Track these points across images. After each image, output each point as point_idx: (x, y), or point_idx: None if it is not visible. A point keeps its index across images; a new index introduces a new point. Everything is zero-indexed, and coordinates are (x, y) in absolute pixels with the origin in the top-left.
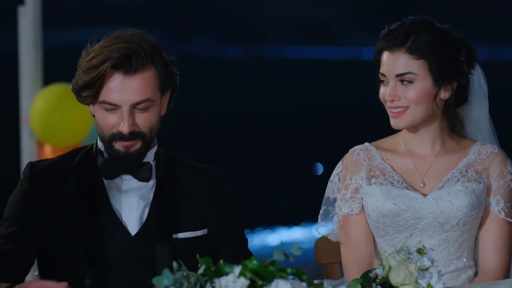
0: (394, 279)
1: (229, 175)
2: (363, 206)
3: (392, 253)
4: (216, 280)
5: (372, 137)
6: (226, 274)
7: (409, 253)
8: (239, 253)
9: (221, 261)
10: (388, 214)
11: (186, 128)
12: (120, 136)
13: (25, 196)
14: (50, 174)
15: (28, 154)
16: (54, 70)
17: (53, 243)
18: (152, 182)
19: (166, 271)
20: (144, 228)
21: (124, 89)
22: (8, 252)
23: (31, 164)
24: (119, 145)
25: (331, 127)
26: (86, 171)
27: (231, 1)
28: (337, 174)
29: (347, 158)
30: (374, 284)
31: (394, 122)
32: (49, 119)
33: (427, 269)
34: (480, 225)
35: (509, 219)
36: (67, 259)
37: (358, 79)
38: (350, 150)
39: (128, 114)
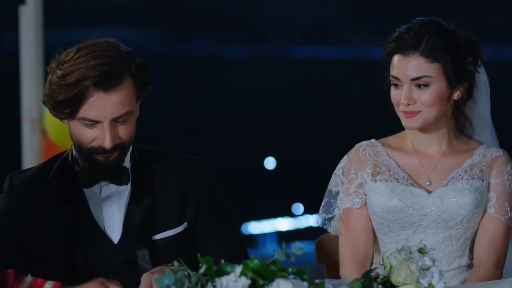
0: (395, 278)
1: (229, 174)
2: (365, 202)
3: (393, 252)
4: (217, 279)
5: (375, 136)
6: (227, 273)
7: (410, 253)
8: (219, 235)
9: (222, 261)
10: (392, 210)
11: (186, 127)
12: (101, 151)
13: (4, 213)
14: (29, 186)
15: (29, 154)
16: None
17: (37, 255)
18: (129, 185)
19: (167, 271)
20: (125, 234)
21: (105, 105)
22: None
23: (10, 177)
24: (98, 156)
25: (334, 126)
26: (64, 180)
27: (232, 1)
28: (342, 167)
29: (352, 152)
30: (375, 284)
31: (407, 123)
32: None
33: (428, 268)
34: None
35: (498, 216)
36: (53, 269)
37: (360, 78)
38: (356, 145)
39: (109, 129)
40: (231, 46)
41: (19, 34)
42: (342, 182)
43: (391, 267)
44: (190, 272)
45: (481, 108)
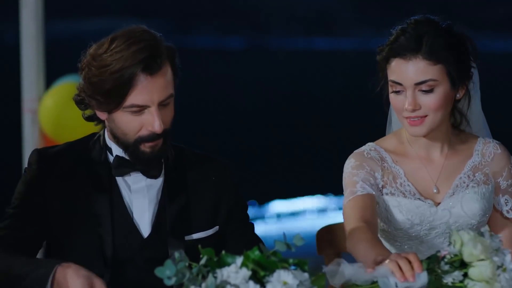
0: (468, 253)
1: (232, 167)
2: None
3: (461, 230)
4: (218, 270)
5: (375, 128)
6: (228, 264)
7: (480, 232)
8: (247, 237)
9: (223, 252)
10: (401, 228)
11: (187, 120)
12: (151, 137)
13: (34, 182)
14: (60, 162)
15: (30, 146)
16: (56, 62)
17: (64, 235)
18: (161, 180)
19: (168, 262)
20: (156, 230)
21: (152, 89)
22: (13, 237)
23: (38, 151)
24: (145, 147)
25: (333, 118)
26: (97, 165)
27: None
28: (350, 166)
29: (358, 157)
30: (443, 263)
31: (413, 131)
32: (59, 117)
33: (498, 250)
34: (493, 225)
35: None
36: (78, 253)
37: (361, 69)
38: (356, 152)
39: (158, 113)
40: (232, 37)
41: (19, 25)
42: (348, 176)
43: (462, 243)
44: (191, 263)
45: (473, 101)
